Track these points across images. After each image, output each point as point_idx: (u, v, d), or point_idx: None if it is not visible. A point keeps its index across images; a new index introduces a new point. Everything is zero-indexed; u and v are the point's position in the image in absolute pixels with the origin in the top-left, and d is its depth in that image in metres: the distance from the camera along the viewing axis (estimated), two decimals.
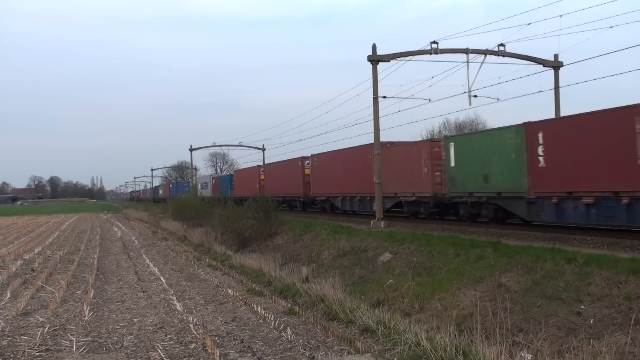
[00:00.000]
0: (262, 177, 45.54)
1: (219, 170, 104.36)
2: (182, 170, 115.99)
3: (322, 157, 35.54)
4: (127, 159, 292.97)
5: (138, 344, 9.25)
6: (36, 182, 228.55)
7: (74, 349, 8.93)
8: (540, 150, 17.60)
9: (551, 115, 25.49)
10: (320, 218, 30.57)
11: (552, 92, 26.00)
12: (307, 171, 36.92)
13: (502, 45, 24.11)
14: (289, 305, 11.97)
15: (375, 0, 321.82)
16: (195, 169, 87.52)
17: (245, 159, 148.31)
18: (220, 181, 61.90)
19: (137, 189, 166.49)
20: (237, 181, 53.64)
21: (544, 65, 25.56)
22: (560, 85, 25.81)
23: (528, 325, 10.43)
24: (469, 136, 20.38)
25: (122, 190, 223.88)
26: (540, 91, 23.50)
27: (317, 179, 35.87)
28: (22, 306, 12.33)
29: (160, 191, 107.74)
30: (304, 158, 38.02)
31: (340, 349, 8.50)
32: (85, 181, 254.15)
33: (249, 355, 8.45)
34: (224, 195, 51.75)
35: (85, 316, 11.38)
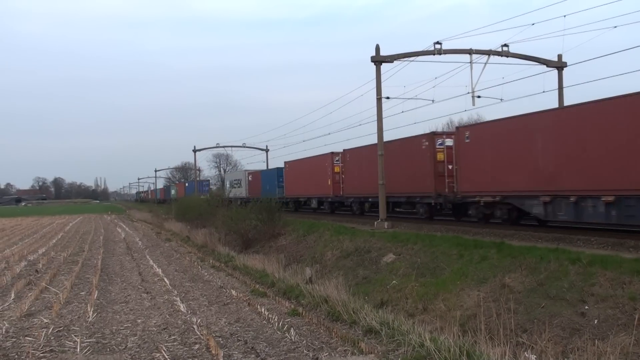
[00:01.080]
0: (336, 169, 32.73)
1: (222, 171, 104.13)
2: (185, 172, 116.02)
3: (482, 131, 21.28)
4: (131, 160, 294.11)
5: (142, 345, 9.26)
6: (40, 183, 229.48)
7: (78, 350, 8.94)
8: None
9: None
10: (326, 219, 30.44)
11: (556, 93, 25.96)
12: (439, 156, 23.14)
13: (505, 45, 24.12)
14: (292, 306, 11.97)
15: (379, 1, 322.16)
16: (199, 169, 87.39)
17: (249, 160, 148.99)
18: (261, 177, 48.47)
19: (143, 189, 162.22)
20: (291, 176, 40.81)
21: (547, 66, 25.53)
22: (564, 85, 25.79)
23: (532, 326, 10.42)
24: None
25: (125, 191, 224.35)
26: (544, 91, 23.50)
27: (474, 166, 20.80)
28: (26, 307, 12.37)
29: (173, 191, 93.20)
30: (434, 135, 24.22)
31: (344, 350, 8.49)
32: (89, 182, 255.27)
33: (253, 356, 8.45)
34: (268, 195, 40.77)
35: (89, 317, 11.40)
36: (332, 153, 33.59)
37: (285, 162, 42.14)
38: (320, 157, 35.85)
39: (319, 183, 34.66)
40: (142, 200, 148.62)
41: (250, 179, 51.35)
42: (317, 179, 35.13)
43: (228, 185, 57.72)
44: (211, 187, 78.67)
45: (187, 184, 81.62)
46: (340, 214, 34.03)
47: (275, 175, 43.95)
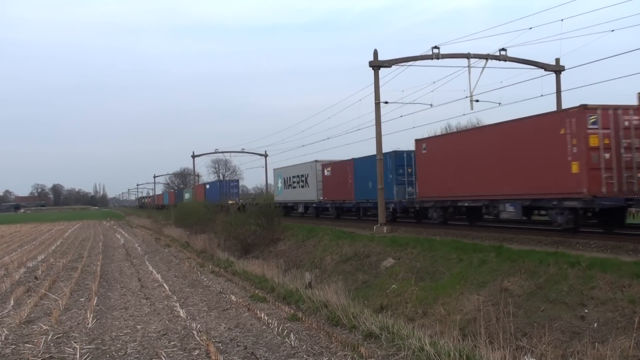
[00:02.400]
0: (592, 140, 15.86)
1: (221, 177, 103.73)
2: (184, 177, 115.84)
3: None
4: (129, 166, 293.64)
5: (141, 351, 9.26)
6: (39, 190, 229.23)
7: (78, 356, 8.93)
8: None
9: None
10: (325, 223, 30.43)
11: (554, 97, 26.02)
12: None
13: (503, 49, 24.16)
14: (292, 311, 11.97)
15: (379, 6, 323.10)
16: (198, 175, 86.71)
17: (248, 165, 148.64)
18: (355, 170, 30.37)
19: (142, 195, 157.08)
20: (434, 163, 22.91)
21: (545, 70, 25.59)
22: (562, 89, 25.84)
23: (532, 330, 10.41)
24: None
25: (124, 198, 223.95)
26: (542, 95, 23.51)
27: None
28: (25, 314, 12.36)
29: (187, 195, 74.28)
30: None
31: (344, 355, 8.49)
32: (88, 189, 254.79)
33: None
34: (371, 196, 27.73)
35: (88, 323, 11.39)
36: (585, 107, 15.95)
37: (418, 141, 24.37)
38: (534, 120, 17.92)
39: (535, 171, 17.58)
40: (146, 206, 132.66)
41: (327, 173, 33.96)
42: (524, 162, 18.00)
43: (280, 185, 41.71)
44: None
45: (207, 186, 65.00)
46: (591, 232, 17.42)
47: (392, 165, 26.38)
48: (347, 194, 31.07)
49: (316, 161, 36.54)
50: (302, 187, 37.75)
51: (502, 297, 11.87)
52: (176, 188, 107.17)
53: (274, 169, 45.02)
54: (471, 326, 10.95)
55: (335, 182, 32.78)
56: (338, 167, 33.39)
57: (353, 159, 31.15)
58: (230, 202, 47.40)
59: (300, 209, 36.50)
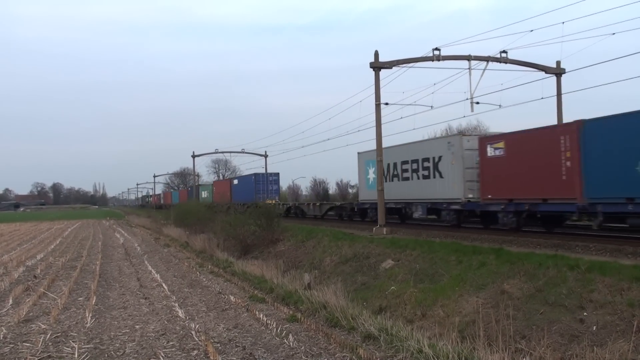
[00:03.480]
0: None
1: (221, 177, 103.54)
2: (184, 177, 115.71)
3: None
4: (129, 166, 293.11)
5: (140, 351, 9.25)
6: (39, 189, 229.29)
7: (76, 355, 8.93)
8: None
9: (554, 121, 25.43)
10: (326, 224, 30.43)
11: (555, 99, 26.04)
12: None
13: (504, 52, 24.18)
14: (291, 312, 11.97)
15: (381, 7, 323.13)
16: (198, 175, 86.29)
17: (248, 166, 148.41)
18: (585, 141, 15.77)
19: (146, 193, 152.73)
20: None
21: (546, 72, 25.61)
22: (563, 92, 25.85)
23: (530, 332, 10.41)
24: None
25: (124, 197, 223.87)
26: (542, 98, 23.53)
27: None
28: (24, 313, 12.35)
29: (205, 193, 63.09)
30: None
31: (343, 356, 8.49)
32: (88, 188, 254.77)
33: None
34: (630, 191, 14.47)
35: (87, 323, 11.39)
36: None
37: None
38: None
39: None
40: (150, 205, 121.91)
41: (493, 152, 20.10)
42: None
43: (371, 175, 29.07)
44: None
45: (236, 181, 53.34)
46: None
47: None
48: (554, 187, 17.34)
49: (462, 134, 24.12)
50: (426, 177, 24.06)
51: (501, 300, 11.88)
52: (189, 186, 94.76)
53: (358, 153, 31.35)
54: (470, 328, 10.95)
55: (520, 166, 18.81)
56: (528, 139, 18.64)
57: (582, 121, 16.22)
58: (268, 201, 38.29)
59: (419, 212, 24.63)
